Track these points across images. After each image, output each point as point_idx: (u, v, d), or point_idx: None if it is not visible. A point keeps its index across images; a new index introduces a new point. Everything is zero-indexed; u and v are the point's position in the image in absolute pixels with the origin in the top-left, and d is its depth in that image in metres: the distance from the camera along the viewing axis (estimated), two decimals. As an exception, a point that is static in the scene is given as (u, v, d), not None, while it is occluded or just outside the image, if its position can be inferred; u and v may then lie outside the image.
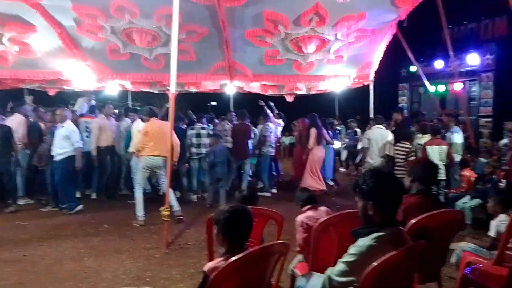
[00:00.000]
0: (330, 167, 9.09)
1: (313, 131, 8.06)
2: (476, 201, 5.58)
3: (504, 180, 6.06)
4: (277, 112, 9.42)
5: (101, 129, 7.51)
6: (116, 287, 3.83)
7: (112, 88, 9.43)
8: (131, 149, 7.15)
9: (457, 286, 3.14)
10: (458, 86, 12.86)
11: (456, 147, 6.43)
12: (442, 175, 5.69)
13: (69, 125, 6.69)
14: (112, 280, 3.96)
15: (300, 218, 3.21)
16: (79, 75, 8.29)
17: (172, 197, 5.91)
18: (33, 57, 7.71)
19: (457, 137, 6.51)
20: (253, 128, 8.67)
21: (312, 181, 7.92)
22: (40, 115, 8.07)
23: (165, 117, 6.39)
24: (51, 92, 9.95)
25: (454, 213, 3.21)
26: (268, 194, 8.14)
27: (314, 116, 8.29)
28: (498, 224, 3.48)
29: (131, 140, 7.31)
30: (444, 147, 6.01)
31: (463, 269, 3.13)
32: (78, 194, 7.47)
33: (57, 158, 6.59)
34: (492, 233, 3.49)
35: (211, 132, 7.97)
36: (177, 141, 6.24)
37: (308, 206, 3.31)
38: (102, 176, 7.73)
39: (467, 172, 6.58)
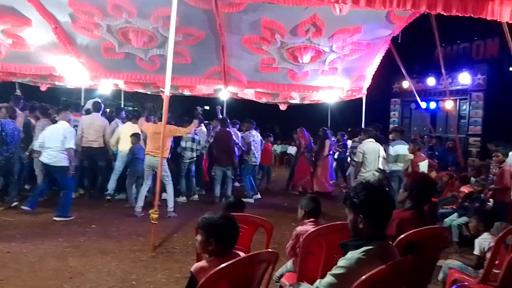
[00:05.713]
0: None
1: (327, 142, 9.46)
2: (463, 219, 5.61)
3: (491, 199, 6.14)
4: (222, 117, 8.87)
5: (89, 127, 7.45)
6: (99, 288, 3.77)
7: (106, 86, 9.37)
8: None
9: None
10: (449, 104, 13.06)
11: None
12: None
13: None
14: (96, 282, 3.89)
15: (300, 229, 3.10)
16: (72, 72, 8.23)
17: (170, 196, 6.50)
18: (26, 50, 7.63)
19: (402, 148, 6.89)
20: (236, 133, 8.56)
21: (323, 186, 9.33)
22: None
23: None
24: (43, 87, 9.87)
25: (441, 229, 3.23)
26: (251, 201, 8.01)
27: (326, 130, 9.74)
28: (481, 242, 3.49)
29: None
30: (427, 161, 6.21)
31: (450, 286, 3.14)
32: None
33: None
34: (476, 251, 3.50)
35: (207, 138, 8.00)
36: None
37: (311, 219, 3.19)
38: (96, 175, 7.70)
39: (465, 189, 6.63)
